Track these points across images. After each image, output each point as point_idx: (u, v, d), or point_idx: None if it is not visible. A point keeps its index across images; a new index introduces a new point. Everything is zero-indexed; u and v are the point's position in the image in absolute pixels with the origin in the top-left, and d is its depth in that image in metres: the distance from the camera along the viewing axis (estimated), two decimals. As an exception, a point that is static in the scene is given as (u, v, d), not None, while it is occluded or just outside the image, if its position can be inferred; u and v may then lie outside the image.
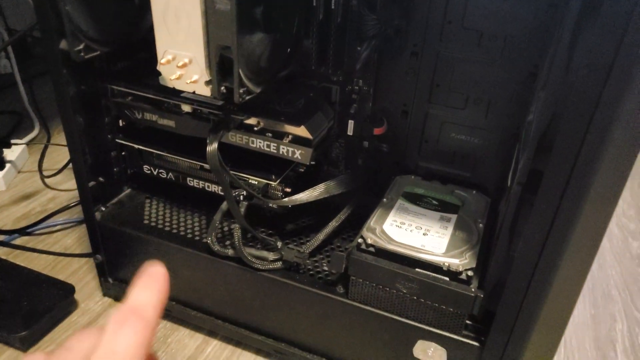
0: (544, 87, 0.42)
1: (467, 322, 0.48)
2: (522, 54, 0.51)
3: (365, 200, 0.58)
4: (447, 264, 0.46)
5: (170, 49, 0.44)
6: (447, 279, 0.47)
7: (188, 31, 0.42)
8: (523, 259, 0.40)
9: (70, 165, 0.79)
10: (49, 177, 0.82)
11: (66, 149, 0.94)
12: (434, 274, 0.47)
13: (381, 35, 0.51)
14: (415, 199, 0.56)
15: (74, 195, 0.84)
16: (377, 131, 0.59)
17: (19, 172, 0.89)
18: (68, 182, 0.87)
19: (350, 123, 0.59)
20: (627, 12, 0.29)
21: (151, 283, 0.26)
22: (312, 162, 0.53)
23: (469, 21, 0.52)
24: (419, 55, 0.55)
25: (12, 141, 0.89)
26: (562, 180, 0.36)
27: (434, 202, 0.55)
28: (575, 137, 0.34)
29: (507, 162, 0.56)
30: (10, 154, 0.87)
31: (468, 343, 0.47)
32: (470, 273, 0.46)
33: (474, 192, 0.57)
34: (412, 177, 0.60)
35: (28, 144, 0.94)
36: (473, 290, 0.45)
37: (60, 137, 1.01)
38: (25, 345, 0.58)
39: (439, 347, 0.49)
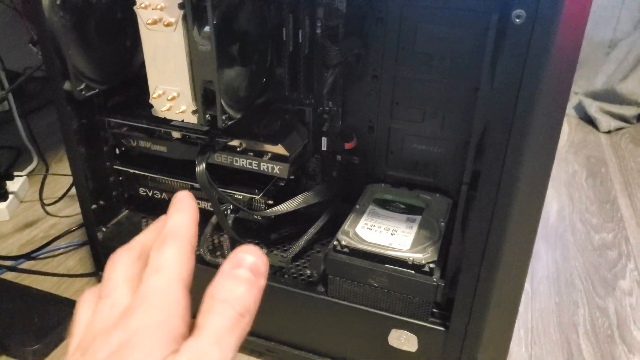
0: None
1: (434, 310, 0.55)
2: (467, 72, 0.58)
3: (341, 209, 0.65)
4: (411, 259, 0.53)
5: (161, 84, 0.51)
6: (412, 271, 0.53)
7: (175, 69, 0.49)
8: (472, 248, 0.47)
9: (69, 193, 0.86)
10: (49, 205, 0.89)
11: (64, 178, 1.01)
12: (400, 268, 0.53)
13: (344, 63, 0.58)
14: (385, 204, 0.62)
15: (74, 220, 0.90)
16: (347, 146, 0.66)
17: (21, 202, 0.95)
18: (67, 209, 0.93)
19: (324, 140, 0.66)
20: (526, 40, 0.36)
21: (181, 207, 0.30)
22: (291, 177, 0.59)
23: (420, 46, 0.59)
24: (378, 78, 0.62)
25: (14, 173, 0.95)
26: (495, 177, 0.43)
27: (402, 206, 0.62)
28: (501, 140, 0.41)
29: (464, 167, 0.63)
30: (12, 185, 0.93)
31: (435, 328, 0.54)
32: (432, 265, 0.53)
33: (437, 195, 0.64)
34: (383, 185, 0.67)
35: (28, 175, 1.00)
36: (435, 280, 0.52)
37: (57, 168, 1.07)
38: (38, 357, 0.63)
39: (410, 334, 0.55)
